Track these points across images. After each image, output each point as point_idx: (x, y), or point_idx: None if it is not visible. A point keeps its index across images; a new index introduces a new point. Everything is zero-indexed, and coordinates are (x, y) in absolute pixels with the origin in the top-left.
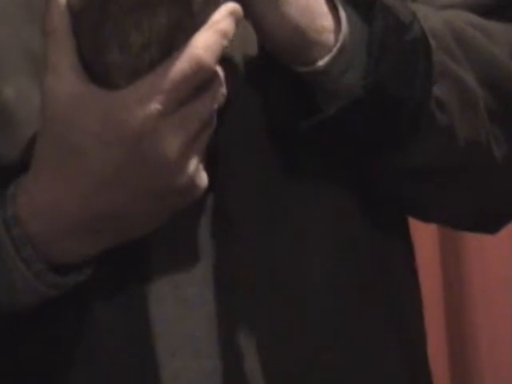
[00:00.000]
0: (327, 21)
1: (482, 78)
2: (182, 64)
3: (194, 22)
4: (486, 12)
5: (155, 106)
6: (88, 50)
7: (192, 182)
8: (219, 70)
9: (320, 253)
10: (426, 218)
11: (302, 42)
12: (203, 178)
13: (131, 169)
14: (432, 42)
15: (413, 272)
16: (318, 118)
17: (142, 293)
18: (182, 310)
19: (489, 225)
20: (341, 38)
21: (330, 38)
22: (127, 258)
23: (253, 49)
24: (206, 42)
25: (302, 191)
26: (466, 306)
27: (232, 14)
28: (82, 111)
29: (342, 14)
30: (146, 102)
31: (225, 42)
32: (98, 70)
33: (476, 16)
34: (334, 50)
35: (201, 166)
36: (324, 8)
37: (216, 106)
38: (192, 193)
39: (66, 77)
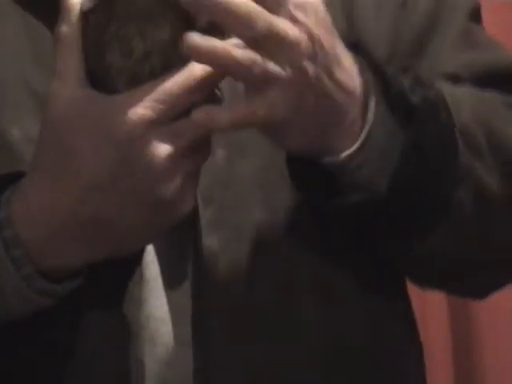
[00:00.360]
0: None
1: (506, 172)
2: (179, 79)
3: None
4: (490, 83)
5: (148, 113)
6: (92, 54)
7: (176, 197)
8: (219, 94)
9: (310, 307)
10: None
11: (320, 148)
12: (190, 198)
13: (121, 172)
14: (461, 144)
15: (411, 326)
16: (340, 204)
17: (133, 315)
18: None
19: (480, 294)
20: (362, 136)
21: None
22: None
23: None
24: (206, 66)
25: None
26: (473, 348)
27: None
28: (79, 114)
29: (371, 116)
30: (140, 107)
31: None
32: (99, 75)
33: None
34: (354, 147)
35: (190, 186)
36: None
37: (211, 130)
38: (176, 209)
39: (68, 83)
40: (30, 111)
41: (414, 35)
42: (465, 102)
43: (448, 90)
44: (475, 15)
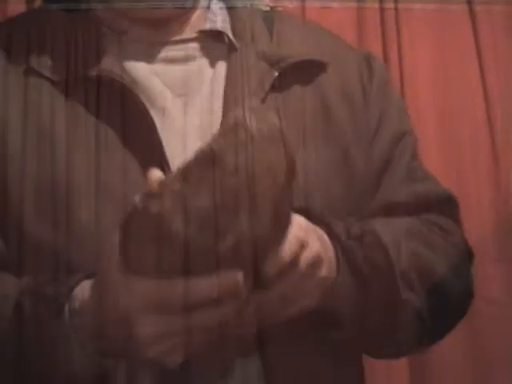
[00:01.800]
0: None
1: (423, 284)
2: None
3: None
4: (428, 208)
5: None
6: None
7: (162, 355)
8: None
9: None
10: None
11: None
12: (177, 356)
13: (123, 333)
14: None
15: None
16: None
17: None
18: None
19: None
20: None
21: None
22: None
23: None
24: None
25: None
26: None
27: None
28: (115, 281)
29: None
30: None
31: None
32: (135, 265)
33: (424, 227)
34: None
35: (177, 351)
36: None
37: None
38: (167, 361)
39: (113, 262)
40: (98, 199)
41: (373, 171)
42: (402, 248)
43: (390, 238)
44: (415, 153)
